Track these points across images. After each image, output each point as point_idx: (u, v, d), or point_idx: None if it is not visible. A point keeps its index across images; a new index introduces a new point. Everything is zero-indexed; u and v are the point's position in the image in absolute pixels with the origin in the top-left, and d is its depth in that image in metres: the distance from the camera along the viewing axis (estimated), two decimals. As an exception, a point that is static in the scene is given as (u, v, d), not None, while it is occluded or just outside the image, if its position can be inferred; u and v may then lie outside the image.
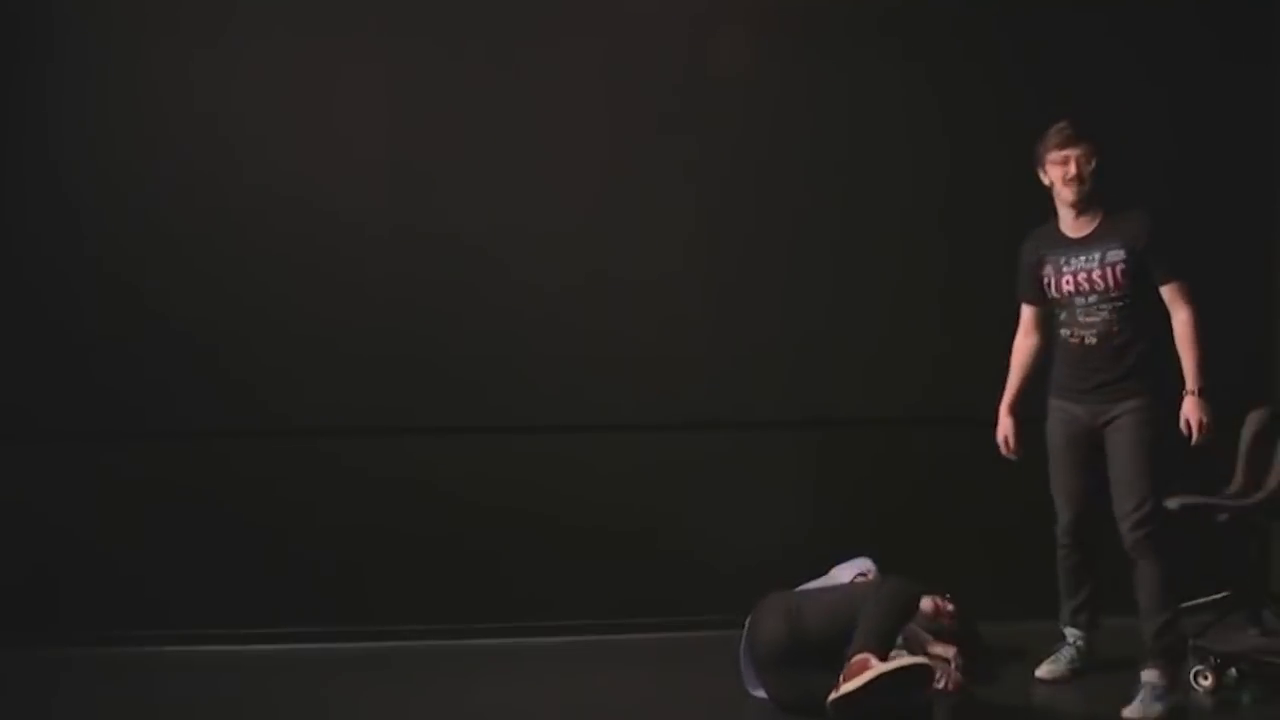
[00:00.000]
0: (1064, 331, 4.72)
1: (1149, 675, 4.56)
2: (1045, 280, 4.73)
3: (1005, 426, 4.88)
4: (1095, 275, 4.61)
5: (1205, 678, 4.65)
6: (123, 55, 5.46)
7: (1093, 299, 4.62)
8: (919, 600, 4.54)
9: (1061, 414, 4.77)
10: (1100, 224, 4.66)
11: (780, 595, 4.55)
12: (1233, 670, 4.67)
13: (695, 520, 5.54)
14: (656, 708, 4.71)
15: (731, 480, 5.59)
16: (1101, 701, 4.69)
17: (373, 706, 4.75)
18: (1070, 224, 4.70)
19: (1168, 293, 4.62)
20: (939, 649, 4.86)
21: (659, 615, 5.50)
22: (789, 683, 4.42)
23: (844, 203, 5.62)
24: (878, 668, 4.08)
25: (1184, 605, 4.91)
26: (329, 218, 5.49)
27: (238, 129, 5.47)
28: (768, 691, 4.52)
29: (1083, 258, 4.64)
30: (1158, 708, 4.47)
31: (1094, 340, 4.63)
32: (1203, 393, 4.57)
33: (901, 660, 4.14)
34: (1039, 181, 4.73)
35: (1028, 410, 4.88)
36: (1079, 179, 4.61)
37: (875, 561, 5.04)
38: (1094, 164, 4.63)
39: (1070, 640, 4.90)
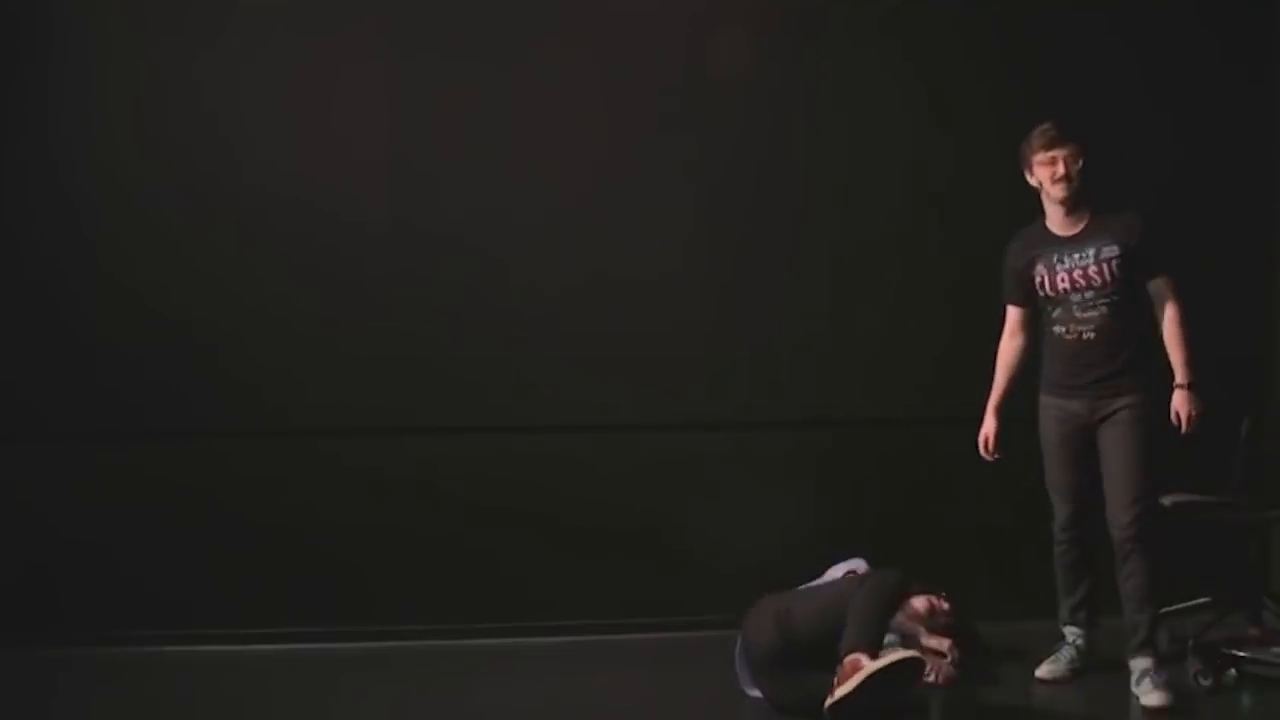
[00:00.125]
0: (1058, 329, 4.74)
1: (1144, 662, 4.62)
2: (1038, 279, 4.75)
3: (989, 426, 4.90)
4: (1091, 271, 4.66)
5: (1205, 678, 4.64)
6: (123, 55, 5.47)
7: (1089, 295, 4.67)
8: (905, 589, 4.51)
9: (1056, 411, 4.79)
10: (1090, 221, 4.71)
11: (771, 599, 4.55)
12: (1233, 670, 4.66)
13: (695, 520, 5.54)
14: (656, 708, 4.71)
15: (731, 480, 5.59)
16: (1101, 701, 4.69)
17: (373, 706, 4.75)
18: (1060, 223, 4.75)
19: (1156, 287, 4.70)
20: (933, 642, 4.87)
21: (659, 615, 5.50)
22: (784, 686, 4.42)
23: (844, 203, 5.62)
24: (868, 667, 4.08)
25: (1168, 609, 4.98)
26: (329, 218, 5.49)
27: (238, 129, 5.48)
28: (765, 695, 4.52)
29: (1076, 255, 4.68)
30: (1167, 694, 4.51)
31: (1092, 335, 4.67)
32: (1192, 386, 4.64)
33: (891, 657, 4.14)
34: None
35: (1011, 410, 4.90)
36: (1067, 178, 4.67)
37: (870, 562, 5.03)
38: (1081, 163, 4.68)
39: (1070, 640, 4.90)
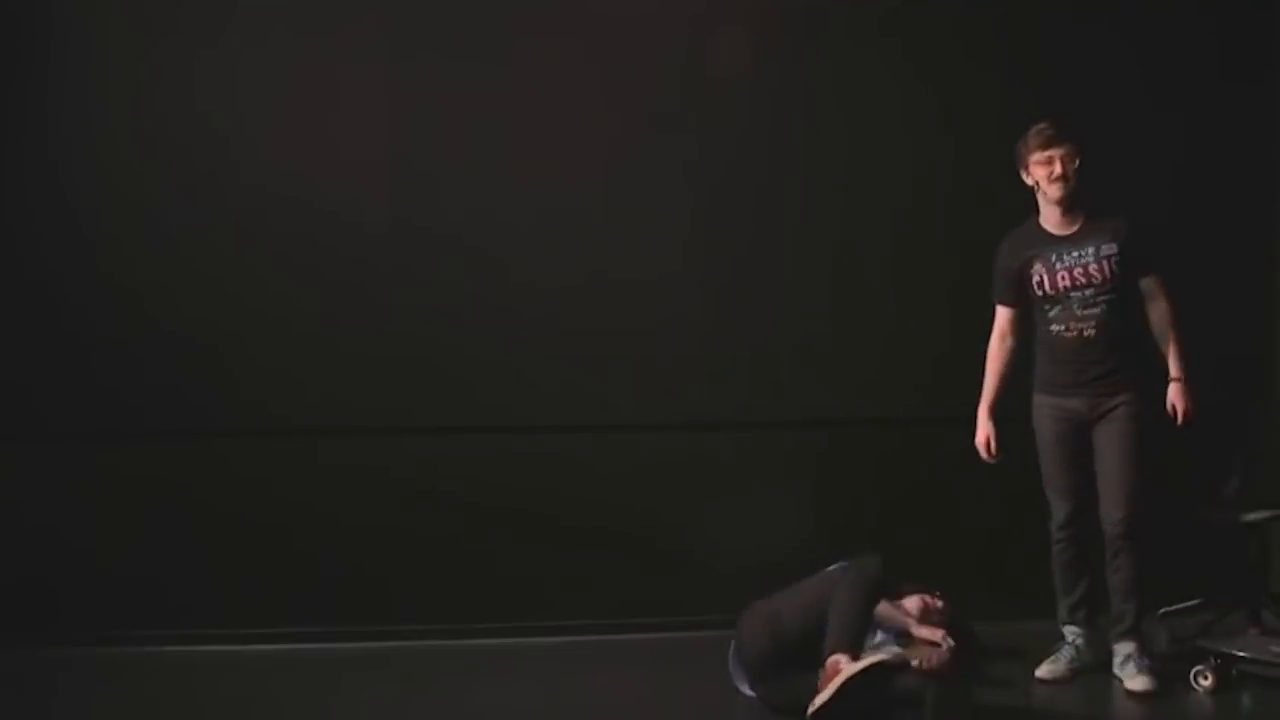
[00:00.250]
0: (1056, 327, 4.76)
1: (1128, 647, 4.70)
2: (1036, 278, 4.76)
3: (986, 429, 4.91)
4: (1092, 269, 4.70)
5: (1205, 678, 4.64)
6: (123, 55, 5.46)
7: (1089, 292, 4.70)
8: (887, 577, 4.49)
9: (1052, 410, 4.81)
10: (1085, 220, 4.76)
11: (763, 602, 4.56)
12: (1233, 670, 4.66)
13: (695, 520, 5.54)
14: (656, 708, 4.71)
15: (731, 480, 5.59)
16: (1101, 701, 4.69)
17: (373, 706, 4.75)
18: (1056, 222, 4.78)
19: (1147, 285, 4.77)
20: (925, 632, 4.88)
21: (658, 615, 5.50)
22: (776, 689, 4.43)
23: (844, 203, 5.62)
24: (845, 672, 4.09)
25: (1168, 609, 5.11)
26: (329, 218, 5.49)
27: (238, 129, 5.47)
28: (758, 697, 4.53)
29: (1075, 253, 4.72)
30: (1151, 679, 4.62)
31: (1092, 332, 4.70)
32: (1187, 380, 4.73)
33: (866, 661, 4.14)
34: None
35: (1005, 410, 4.91)
36: (1064, 178, 4.71)
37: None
38: (1077, 163, 4.72)
39: (1069, 639, 4.90)
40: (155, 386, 5.45)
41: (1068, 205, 4.74)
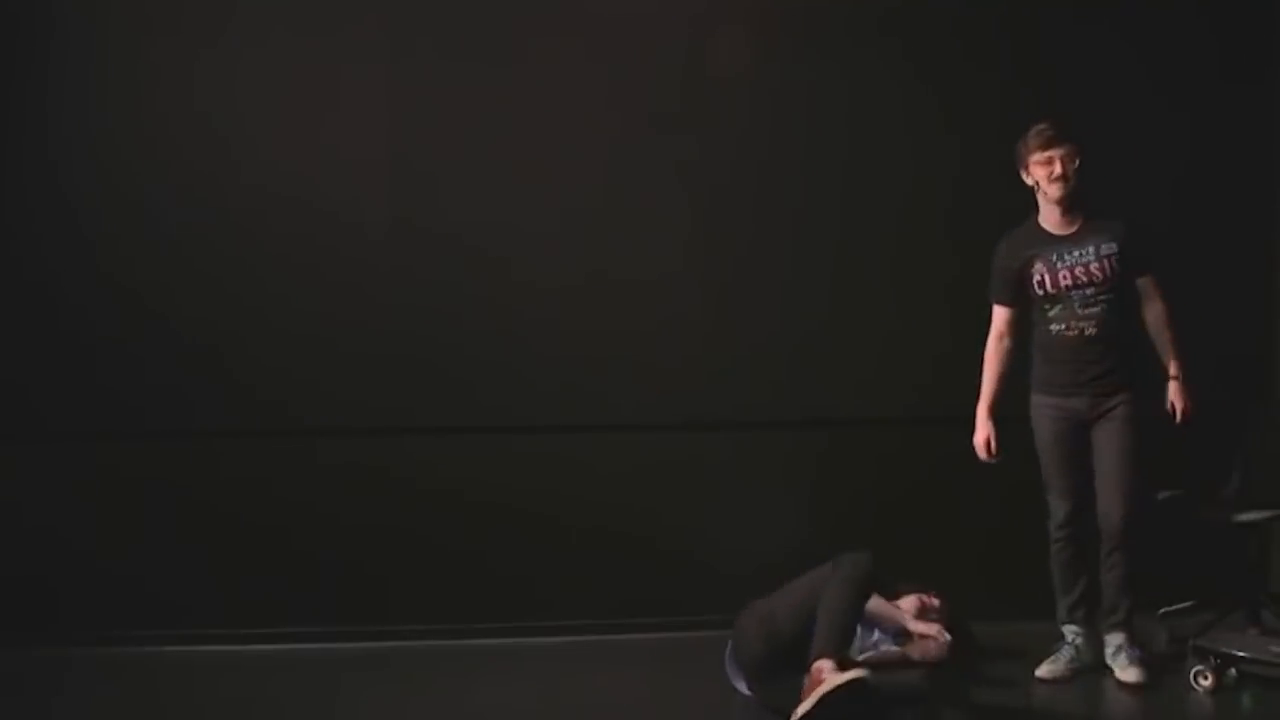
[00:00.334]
0: (1056, 327, 4.77)
1: (1119, 637, 4.76)
2: (1037, 277, 4.78)
3: (987, 429, 4.90)
4: (1094, 268, 4.72)
5: (1205, 678, 4.64)
6: (123, 55, 5.46)
7: (1090, 291, 4.72)
8: (875, 573, 4.47)
9: (1052, 410, 4.82)
10: (1085, 220, 4.78)
11: (760, 603, 4.56)
12: (1233, 670, 4.66)
13: (695, 520, 5.54)
14: (656, 708, 4.71)
15: (731, 480, 5.59)
16: (1101, 701, 4.69)
17: (373, 706, 4.75)
18: (1056, 222, 4.80)
19: (1143, 285, 4.80)
20: (922, 627, 4.88)
21: (659, 615, 5.50)
22: (774, 691, 4.42)
23: (844, 203, 5.62)
24: (828, 683, 4.08)
25: (1168, 609, 5.15)
26: (329, 218, 5.49)
27: (238, 129, 5.47)
28: (757, 699, 4.53)
29: (1076, 252, 4.74)
30: (1142, 671, 4.69)
31: (1093, 331, 4.72)
32: (1184, 379, 4.78)
33: (849, 675, 4.11)
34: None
35: (1001, 411, 4.92)
36: (1064, 178, 4.73)
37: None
38: (1077, 163, 4.74)
39: (1069, 639, 4.90)
40: (155, 386, 5.46)
41: (1068, 205, 4.77)
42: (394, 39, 5.51)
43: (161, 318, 5.46)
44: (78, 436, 5.44)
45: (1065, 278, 4.73)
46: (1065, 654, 4.88)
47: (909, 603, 5.00)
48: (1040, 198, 4.81)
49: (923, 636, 4.88)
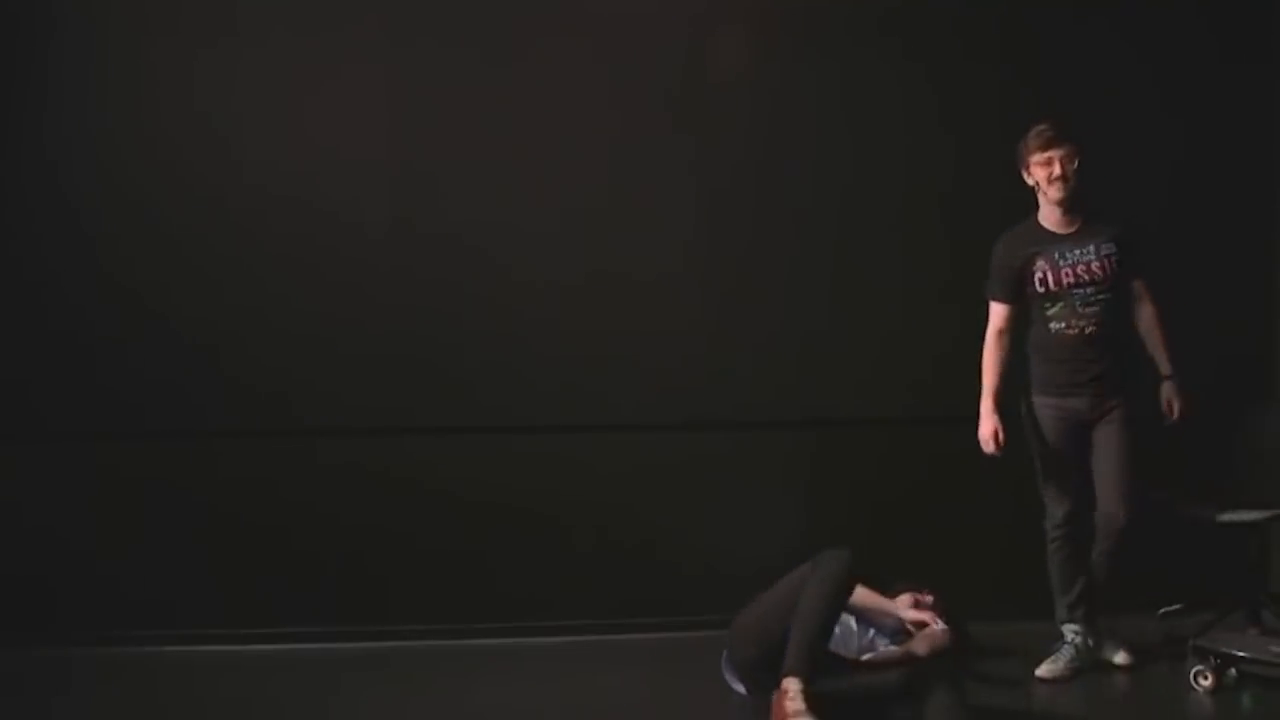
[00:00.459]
0: (1055, 325, 4.79)
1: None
2: (1039, 275, 4.79)
3: (993, 421, 4.88)
4: (1095, 266, 4.76)
5: (1205, 678, 4.64)
6: (123, 55, 5.46)
7: (1090, 290, 4.75)
8: (853, 571, 4.44)
9: (1054, 410, 4.84)
10: (1085, 219, 4.82)
11: (754, 605, 4.55)
12: (1233, 670, 4.66)
13: (694, 520, 5.54)
14: (656, 708, 4.71)
15: (731, 480, 5.58)
16: (1102, 701, 4.69)
17: (373, 706, 4.75)
18: (1056, 221, 4.83)
19: (1138, 287, 4.86)
20: (914, 613, 4.88)
21: (659, 615, 5.50)
22: (766, 693, 4.41)
23: (844, 203, 5.62)
24: (790, 714, 4.06)
25: (1168, 609, 5.19)
26: (329, 218, 5.49)
27: (237, 129, 5.47)
28: (753, 700, 4.53)
29: (1078, 250, 4.78)
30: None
31: (1093, 329, 4.75)
32: (1178, 378, 4.86)
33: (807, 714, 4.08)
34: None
35: (1003, 406, 4.92)
36: (1064, 179, 4.76)
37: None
38: (1077, 163, 4.77)
39: (1069, 639, 4.90)
40: (155, 386, 5.45)
41: (1068, 205, 4.80)
42: (394, 39, 5.51)
43: (161, 318, 5.46)
44: (78, 436, 5.44)
45: (1067, 275, 4.76)
46: (1065, 653, 4.89)
47: (904, 599, 4.99)
48: (1041, 197, 4.84)
49: (917, 624, 4.85)
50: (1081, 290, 4.75)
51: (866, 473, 5.59)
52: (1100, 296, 4.75)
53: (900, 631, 4.90)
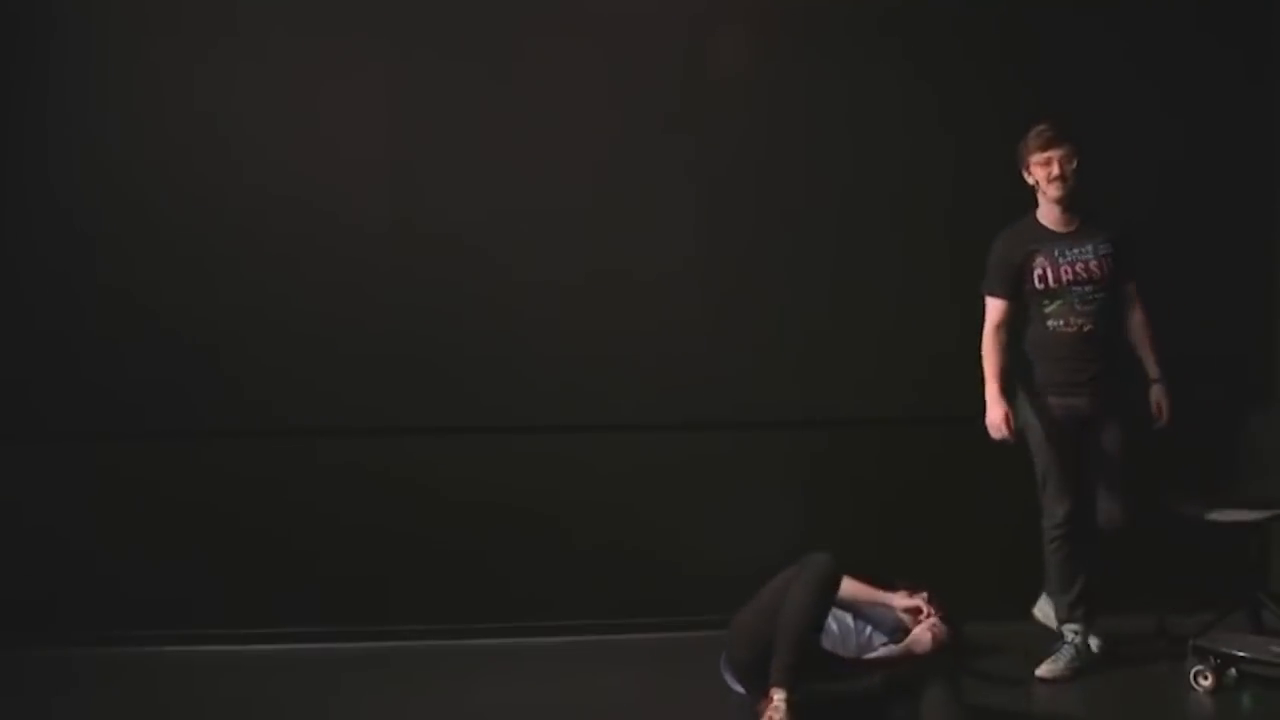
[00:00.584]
0: (1053, 323, 4.81)
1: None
2: (1038, 272, 4.81)
3: (1002, 406, 4.85)
4: (1093, 265, 4.80)
5: (1205, 678, 4.65)
6: (123, 55, 5.46)
7: (1088, 288, 4.79)
8: (835, 575, 4.47)
9: (1053, 410, 4.85)
10: (1083, 218, 4.86)
11: (748, 607, 4.57)
12: (1233, 670, 4.67)
13: (695, 520, 5.54)
14: (656, 708, 4.72)
15: (731, 480, 5.58)
16: (1102, 701, 4.69)
17: (373, 706, 4.75)
18: (1056, 219, 4.87)
19: (1129, 290, 4.91)
20: (906, 600, 4.87)
21: (658, 615, 5.50)
22: (762, 694, 4.43)
23: (844, 203, 5.62)
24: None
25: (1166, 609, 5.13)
26: (329, 218, 5.49)
27: (237, 129, 5.47)
28: (754, 701, 4.54)
29: (1076, 249, 4.82)
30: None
31: (1090, 327, 4.79)
32: (1165, 380, 4.93)
33: None
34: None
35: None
36: (1063, 178, 4.80)
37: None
38: (1076, 163, 4.81)
39: (1069, 638, 4.91)
40: (155, 386, 5.45)
41: (1067, 204, 4.83)
42: (394, 39, 5.51)
43: (161, 318, 5.46)
44: (78, 436, 5.44)
45: (1067, 272, 4.79)
46: (1066, 653, 4.89)
47: (898, 598, 4.99)
48: (1040, 196, 4.88)
49: (911, 611, 4.84)
50: (1079, 288, 4.79)
51: (866, 473, 5.60)
52: (1097, 295, 4.79)
53: (898, 629, 4.89)
